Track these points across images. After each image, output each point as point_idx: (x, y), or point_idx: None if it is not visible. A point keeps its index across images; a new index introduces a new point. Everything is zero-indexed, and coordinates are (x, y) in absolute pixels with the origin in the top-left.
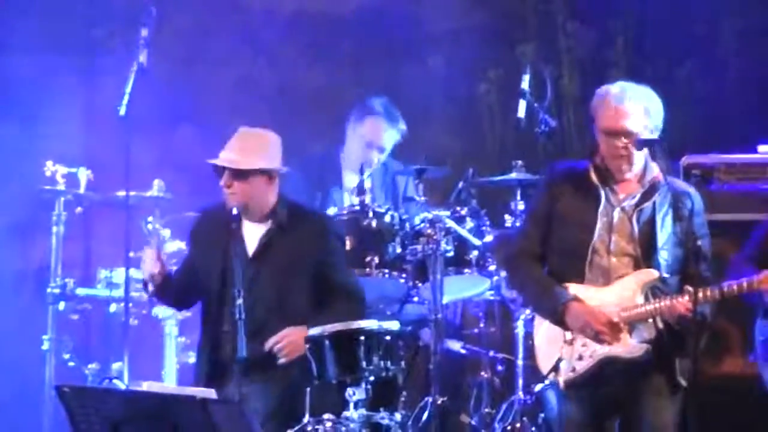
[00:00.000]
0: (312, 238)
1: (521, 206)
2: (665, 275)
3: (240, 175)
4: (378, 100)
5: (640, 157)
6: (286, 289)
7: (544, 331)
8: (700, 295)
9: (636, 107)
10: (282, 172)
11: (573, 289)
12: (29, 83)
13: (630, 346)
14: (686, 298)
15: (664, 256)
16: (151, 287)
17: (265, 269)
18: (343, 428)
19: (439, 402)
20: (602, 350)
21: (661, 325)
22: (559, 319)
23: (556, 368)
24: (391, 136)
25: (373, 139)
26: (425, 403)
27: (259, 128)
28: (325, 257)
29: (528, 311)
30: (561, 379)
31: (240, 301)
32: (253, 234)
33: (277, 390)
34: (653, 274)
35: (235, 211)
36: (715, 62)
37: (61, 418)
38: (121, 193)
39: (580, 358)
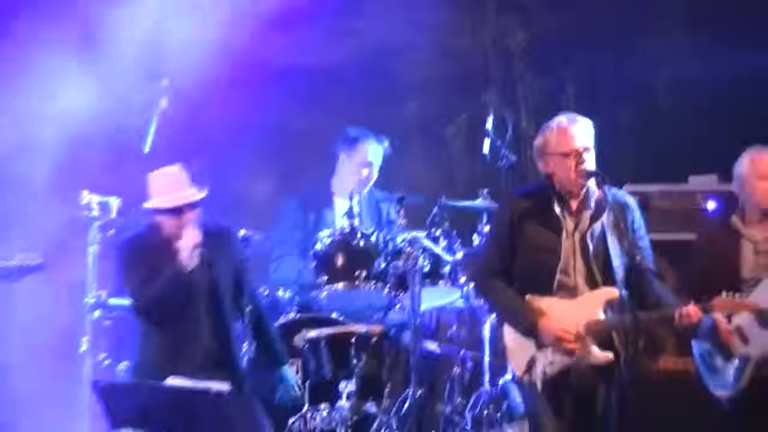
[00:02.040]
0: (227, 247)
1: (486, 228)
2: (624, 292)
3: (194, 206)
4: (356, 129)
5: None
6: (221, 292)
7: (514, 336)
8: (644, 316)
9: (584, 127)
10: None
11: (544, 301)
12: (68, 127)
13: (596, 355)
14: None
15: (618, 273)
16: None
17: (207, 280)
18: (337, 416)
19: (417, 394)
20: (571, 358)
21: (614, 333)
22: (529, 334)
23: (529, 370)
24: (379, 151)
25: (367, 159)
26: (406, 395)
27: (167, 166)
28: (242, 260)
29: (492, 316)
30: (537, 380)
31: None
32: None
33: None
34: (614, 293)
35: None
36: (652, 107)
37: (98, 411)
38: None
39: (552, 363)
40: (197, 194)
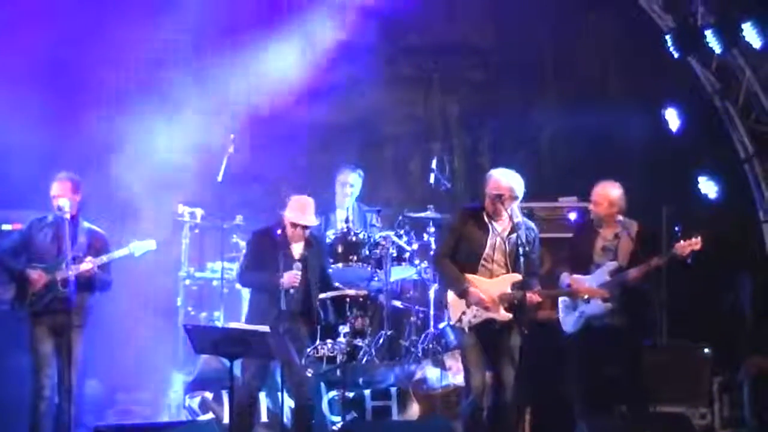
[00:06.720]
0: (319, 248)
1: (432, 230)
2: (525, 278)
3: (305, 227)
4: (345, 164)
5: (509, 208)
6: (312, 276)
7: (453, 296)
8: (536, 291)
9: (507, 182)
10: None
11: (473, 278)
12: (171, 164)
13: (503, 314)
14: (527, 292)
15: (520, 266)
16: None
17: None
18: (337, 347)
19: (388, 333)
20: (488, 314)
21: (516, 301)
22: (463, 297)
23: (461, 319)
24: (353, 177)
25: (345, 180)
26: (381, 334)
27: (304, 195)
28: (324, 257)
29: (436, 285)
30: (465, 326)
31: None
32: (296, 248)
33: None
34: (518, 277)
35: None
36: (536, 153)
37: (187, 344)
38: (219, 222)
39: (476, 316)
40: (310, 222)
